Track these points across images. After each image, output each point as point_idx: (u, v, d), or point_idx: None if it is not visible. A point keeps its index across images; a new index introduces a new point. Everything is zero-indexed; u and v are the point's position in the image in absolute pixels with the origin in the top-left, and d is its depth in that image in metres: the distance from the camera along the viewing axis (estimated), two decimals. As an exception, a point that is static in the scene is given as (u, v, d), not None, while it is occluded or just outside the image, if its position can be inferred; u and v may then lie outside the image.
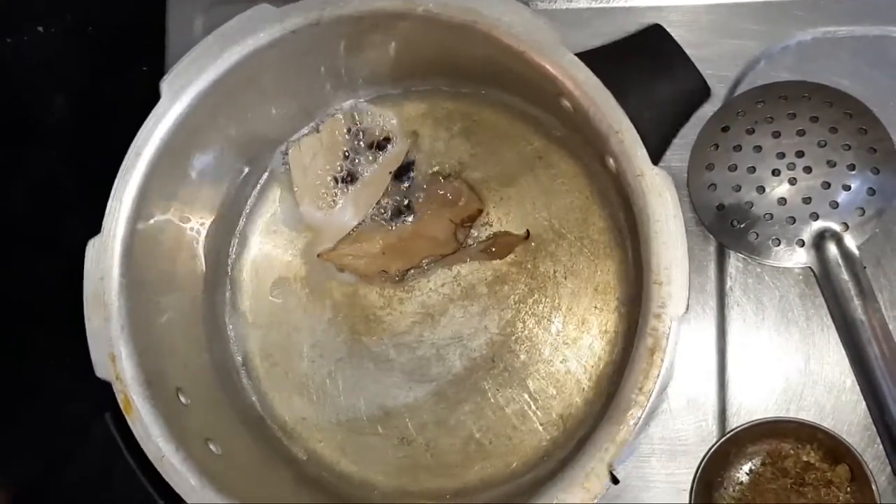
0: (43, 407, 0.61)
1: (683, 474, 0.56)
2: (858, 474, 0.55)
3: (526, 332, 0.57)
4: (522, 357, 0.57)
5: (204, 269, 0.58)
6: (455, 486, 0.56)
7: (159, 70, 0.62)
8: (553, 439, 0.56)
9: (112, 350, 0.49)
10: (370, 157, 0.59)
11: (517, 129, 0.59)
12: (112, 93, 0.67)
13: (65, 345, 0.51)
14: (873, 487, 0.53)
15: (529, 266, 0.58)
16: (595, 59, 0.49)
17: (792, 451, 0.56)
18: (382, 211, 0.59)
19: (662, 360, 0.46)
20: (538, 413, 0.56)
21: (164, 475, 0.49)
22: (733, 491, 0.57)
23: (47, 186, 0.66)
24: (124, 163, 0.51)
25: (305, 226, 0.60)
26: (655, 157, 0.48)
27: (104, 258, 0.50)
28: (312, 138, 0.59)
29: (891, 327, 0.55)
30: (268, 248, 0.61)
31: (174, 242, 0.56)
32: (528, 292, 0.58)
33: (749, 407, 0.57)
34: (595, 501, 0.45)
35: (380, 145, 0.59)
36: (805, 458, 0.56)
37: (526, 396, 0.57)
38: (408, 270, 0.58)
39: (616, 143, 0.48)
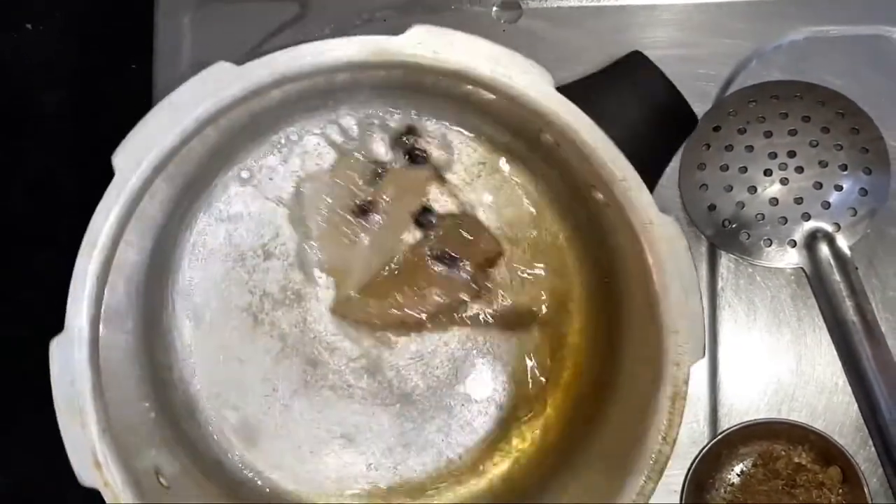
0: (43, 407, 0.61)
1: (674, 475, 0.56)
2: (850, 476, 0.54)
3: (487, 343, 0.56)
4: (485, 371, 0.56)
5: (148, 346, 0.55)
6: (431, 504, 0.56)
7: (149, 67, 0.62)
8: (524, 450, 0.56)
9: (97, 457, 0.46)
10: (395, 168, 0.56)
11: (454, 137, 0.57)
12: (108, 91, 0.67)
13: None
14: (865, 489, 0.53)
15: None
16: (578, 92, 0.48)
17: (783, 453, 0.56)
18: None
19: (683, 408, 0.46)
20: (507, 425, 0.56)
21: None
22: (724, 492, 0.56)
23: (46, 185, 0.66)
24: (78, 261, 0.47)
25: (326, 270, 0.57)
26: (650, 189, 0.47)
27: (72, 360, 0.46)
28: (322, 173, 0.56)
29: (883, 328, 0.55)
30: (207, 284, 0.57)
31: (132, 328, 0.53)
32: (486, 303, 0.56)
33: (741, 408, 0.57)
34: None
35: (413, 157, 0.56)
36: (797, 460, 0.56)
37: (493, 409, 0.56)
38: (425, 322, 0.56)
39: (620, 191, 0.47)
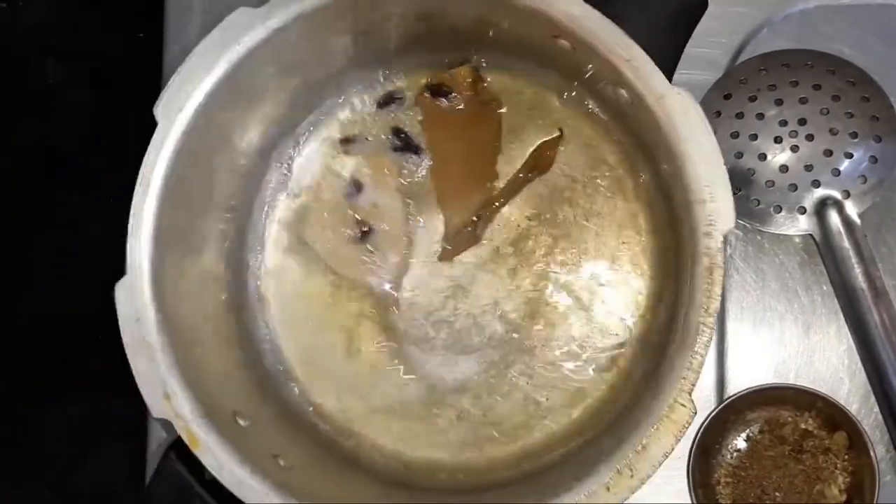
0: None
1: (680, 442, 0.55)
2: (857, 442, 0.54)
3: (560, 282, 0.56)
4: (561, 308, 0.55)
5: (231, 287, 0.56)
6: (522, 449, 0.55)
7: (157, 35, 0.61)
8: (609, 382, 0.55)
9: (165, 389, 0.47)
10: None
11: (505, 85, 0.57)
12: (112, 58, 0.65)
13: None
14: (871, 455, 0.53)
15: (549, 216, 0.56)
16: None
17: (790, 419, 0.55)
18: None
19: (722, 277, 0.45)
20: (589, 360, 0.55)
21: (245, 501, 0.47)
22: (731, 458, 0.55)
23: (44, 154, 0.64)
24: (135, 199, 0.49)
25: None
26: (668, 76, 0.47)
27: (135, 299, 0.48)
28: (315, 214, 0.58)
29: (891, 295, 0.54)
30: (289, 253, 0.58)
31: (201, 267, 0.54)
32: (553, 242, 0.56)
33: (748, 374, 0.56)
34: (684, 431, 0.45)
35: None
36: (803, 426, 0.55)
37: (574, 346, 0.55)
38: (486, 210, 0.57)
39: (630, 70, 0.47)
